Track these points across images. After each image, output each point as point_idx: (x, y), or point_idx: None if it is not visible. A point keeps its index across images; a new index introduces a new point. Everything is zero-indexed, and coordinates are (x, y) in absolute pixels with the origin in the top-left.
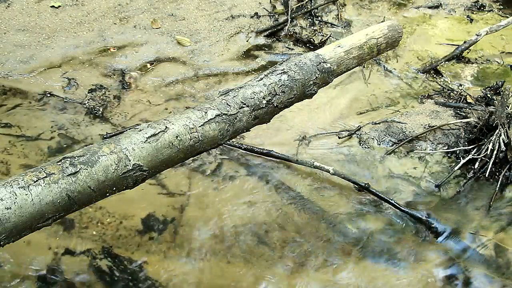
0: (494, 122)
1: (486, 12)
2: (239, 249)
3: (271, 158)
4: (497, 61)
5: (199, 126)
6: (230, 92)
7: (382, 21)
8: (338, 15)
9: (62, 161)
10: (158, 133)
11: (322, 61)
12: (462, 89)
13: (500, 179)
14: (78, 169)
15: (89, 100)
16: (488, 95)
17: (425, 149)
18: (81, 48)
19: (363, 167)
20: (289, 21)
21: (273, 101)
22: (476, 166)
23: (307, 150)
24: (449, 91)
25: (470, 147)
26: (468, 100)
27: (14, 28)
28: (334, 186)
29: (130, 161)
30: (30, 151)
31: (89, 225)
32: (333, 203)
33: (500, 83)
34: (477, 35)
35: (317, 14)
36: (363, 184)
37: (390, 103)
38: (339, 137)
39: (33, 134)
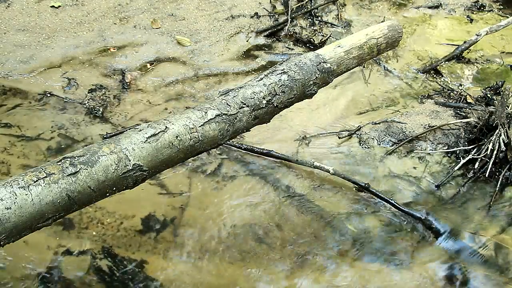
0: (494, 122)
1: (486, 12)
2: (239, 249)
3: (271, 158)
4: (497, 61)
5: (199, 126)
6: (230, 92)
7: (382, 21)
8: (338, 15)
9: (62, 161)
10: (158, 133)
11: (322, 61)
12: (462, 89)
13: (500, 179)
14: (78, 169)
15: (89, 100)
16: (488, 95)
17: (425, 149)
18: (81, 48)
19: (363, 167)
20: (289, 21)
21: (273, 101)
22: (476, 166)
23: (307, 150)
24: (449, 91)
25: (470, 147)
26: (468, 100)
27: (14, 28)
28: (334, 186)
29: (130, 161)
30: (30, 151)
31: (89, 225)
32: (333, 203)
33: (500, 83)
34: (477, 35)
35: (317, 14)
36: (363, 184)
37: (390, 103)
38: (339, 137)
39: (33, 134)
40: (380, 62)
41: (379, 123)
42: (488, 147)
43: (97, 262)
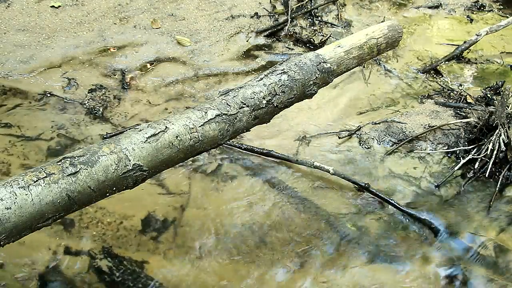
0: (494, 122)
1: (486, 12)
2: (239, 249)
3: (271, 158)
4: (497, 61)
5: (199, 126)
6: (230, 92)
7: (382, 21)
8: (338, 15)
9: (62, 161)
10: (158, 133)
11: (322, 61)
12: (462, 89)
13: (500, 179)
14: (78, 169)
15: (89, 100)
16: (488, 95)
17: (425, 149)
18: (81, 48)
19: (363, 167)
20: (289, 21)
21: (273, 101)
22: (476, 166)
23: (307, 150)
24: (449, 91)
25: (470, 147)
26: (468, 100)
27: (14, 28)
28: (334, 186)
29: (130, 161)
30: (30, 151)
31: (89, 225)
32: (333, 203)
33: (500, 83)
34: (477, 35)
35: (317, 14)
36: (363, 184)
37: (390, 103)
38: (339, 137)
39: (33, 134)
40: (380, 62)
41: (379, 123)
42: (488, 147)
43: (97, 262)
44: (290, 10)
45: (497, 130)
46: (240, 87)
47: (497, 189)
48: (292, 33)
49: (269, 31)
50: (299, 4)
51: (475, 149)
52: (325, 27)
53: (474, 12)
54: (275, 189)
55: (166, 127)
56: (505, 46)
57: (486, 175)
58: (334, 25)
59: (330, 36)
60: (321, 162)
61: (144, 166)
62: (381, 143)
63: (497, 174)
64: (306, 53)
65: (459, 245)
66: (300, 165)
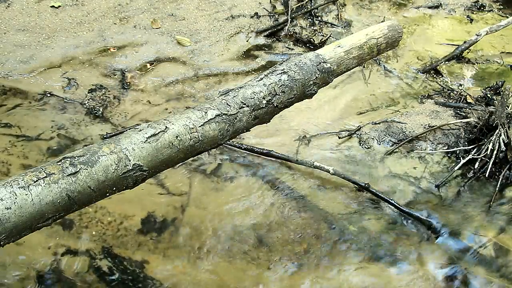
0: (494, 122)
1: (486, 12)
2: (239, 249)
3: (271, 158)
4: (497, 61)
5: (199, 126)
6: (230, 92)
7: (382, 21)
8: (338, 15)
9: (62, 161)
10: (158, 133)
11: (322, 61)
12: (462, 89)
13: (500, 179)
14: (78, 169)
15: (89, 100)
16: (488, 95)
17: (425, 149)
18: (81, 48)
19: (363, 167)
20: (289, 21)
21: (273, 101)
22: (476, 166)
23: (307, 150)
24: (449, 91)
25: (470, 147)
26: (468, 100)
27: (14, 28)
28: (334, 186)
29: (130, 161)
30: (30, 151)
31: (89, 225)
32: (333, 203)
33: (500, 83)
34: (477, 35)
35: (317, 14)
36: (363, 184)
37: (390, 103)
38: (339, 137)
39: (33, 134)
40: (380, 62)
41: (379, 123)
42: (488, 147)
43: (97, 262)
44: (290, 10)
45: (497, 130)
46: (240, 87)
47: (497, 189)
48: (292, 33)
49: (269, 31)
50: (299, 4)
51: (475, 149)
52: (325, 27)
53: (474, 12)
54: (275, 189)
55: (166, 127)
56: (505, 46)
57: (486, 175)
58: (334, 25)
59: (330, 36)
60: (321, 162)
61: (144, 166)
62: (381, 143)
63: (497, 174)
64: (306, 53)
65: (459, 245)
66: (300, 165)
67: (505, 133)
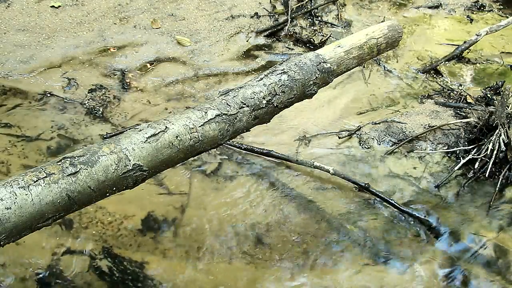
0: (494, 122)
1: (486, 12)
2: (239, 249)
3: (271, 158)
4: (497, 61)
5: (199, 126)
6: (230, 92)
7: (382, 21)
8: (338, 15)
9: (62, 161)
10: (158, 133)
11: (322, 61)
12: (462, 89)
13: (500, 179)
14: (78, 169)
15: (89, 100)
16: (488, 95)
17: (425, 149)
18: (81, 48)
19: (363, 167)
20: (289, 21)
21: (273, 101)
22: (476, 166)
23: (307, 150)
24: (449, 91)
25: (470, 147)
26: (468, 100)
27: (14, 28)
28: (334, 186)
29: (130, 161)
30: (30, 151)
31: (89, 225)
32: (333, 203)
33: (500, 83)
34: (477, 35)
35: (317, 14)
36: (363, 184)
37: (390, 103)
38: (339, 137)
39: (33, 134)
40: (380, 62)
41: (379, 123)
42: (488, 147)
43: (97, 262)
44: (290, 10)
45: (497, 130)
46: (240, 87)
47: (497, 189)
48: (292, 33)
49: (269, 31)
50: (299, 4)
51: (475, 149)
52: (325, 27)
53: (474, 12)
54: (274, 189)
55: (166, 127)
56: (505, 46)
57: (486, 175)
58: (334, 25)
59: (330, 36)
60: (321, 162)
61: (144, 166)
62: (381, 143)
63: (497, 174)
64: (306, 53)
65: (459, 245)
66: (300, 165)
67: (505, 133)
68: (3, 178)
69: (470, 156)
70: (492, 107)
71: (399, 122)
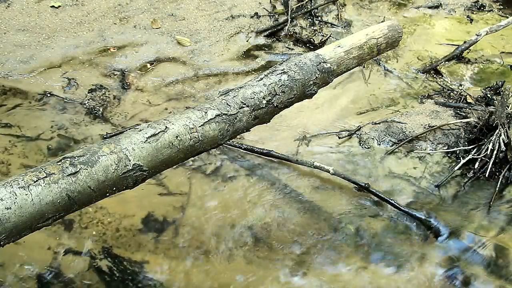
0: (494, 122)
1: (486, 12)
2: (239, 249)
3: (271, 158)
4: (497, 61)
5: (199, 126)
6: (230, 92)
7: (382, 21)
8: (338, 15)
9: (62, 161)
10: (158, 133)
11: (322, 61)
12: (462, 89)
13: (500, 179)
14: (78, 169)
15: (89, 100)
16: (488, 95)
17: (425, 149)
18: (81, 48)
19: (363, 167)
20: (289, 21)
21: (273, 101)
22: (476, 166)
23: (307, 150)
24: (449, 91)
25: (470, 147)
26: (468, 100)
27: (14, 28)
28: (334, 186)
29: (130, 161)
30: (30, 151)
31: (89, 225)
32: (333, 203)
33: (500, 83)
34: (477, 35)
35: (317, 14)
36: (363, 184)
37: (390, 103)
38: (339, 137)
39: (33, 134)
40: (380, 62)
41: (379, 123)
42: (488, 147)
43: (97, 262)
44: (290, 10)
45: (497, 130)
46: (240, 87)
47: (497, 189)
48: (292, 33)
49: (269, 31)
50: (299, 4)
51: (475, 149)
52: (325, 27)
53: (474, 12)
54: (274, 189)
55: (166, 127)
56: (505, 46)
57: (486, 175)
58: (334, 25)
59: (330, 36)
60: (321, 162)
61: (144, 166)
62: (381, 143)
63: (497, 174)
64: (306, 53)
65: (459, 245)
66: (300, 165)
67: (505, 133)
68: (3, 178)
69: (470, 156)
70: (492, 107)
71: (399, 122)
